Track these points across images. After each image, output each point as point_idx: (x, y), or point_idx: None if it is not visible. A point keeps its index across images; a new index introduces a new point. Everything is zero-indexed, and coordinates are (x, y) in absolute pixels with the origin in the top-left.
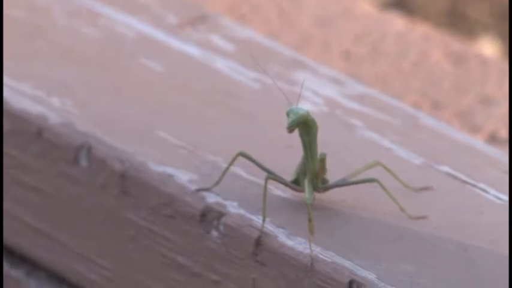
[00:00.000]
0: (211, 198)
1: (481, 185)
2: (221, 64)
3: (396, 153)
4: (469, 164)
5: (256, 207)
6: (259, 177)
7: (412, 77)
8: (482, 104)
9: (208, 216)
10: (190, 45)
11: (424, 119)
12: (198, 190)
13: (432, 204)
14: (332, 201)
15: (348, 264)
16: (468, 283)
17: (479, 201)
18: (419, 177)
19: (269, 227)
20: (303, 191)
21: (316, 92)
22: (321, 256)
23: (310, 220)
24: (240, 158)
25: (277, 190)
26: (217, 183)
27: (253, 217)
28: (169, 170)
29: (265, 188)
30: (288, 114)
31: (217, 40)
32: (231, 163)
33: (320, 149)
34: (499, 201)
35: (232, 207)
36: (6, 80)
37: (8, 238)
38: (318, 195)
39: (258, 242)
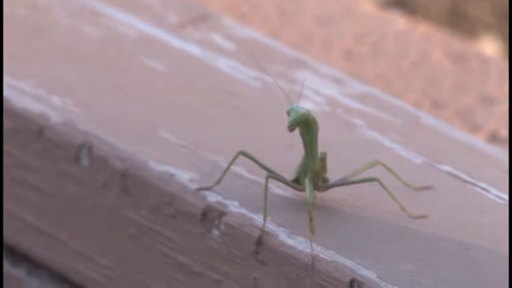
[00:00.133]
0: (212, 198)
1: (482, 184)
2: (222, 63)
3: (397, 153)
4: (470, 163)
5: (257, 206)
6: (260, 176)
7: (412, 76)
8: (483, 103)
9: (209, 216)
10: (191, 45)
11: (425, 118)
12: (199, 189)
13: (433, 203)
14: (333, 200)
15: (348, 263)
16: (469, 282)
17: (480, 200)
18: (419, 177)
19: (270, 226)
20: (303, 190)
21: (317, 91)
22: (321, 255)
23: (310, 219)
24: (241, 157)
25: (278, 189)
26: (218, 182)
27: (254, 216)
28: (170, 169)
29: (266, 187)
30: (288, 113)
31: (218, 39)
32: (232, 162)
33: (321, 148)
34: (499, 201)
35: (233, 206)
36: (7, 78)
37: (9, 237)
38: (318, 194)
39: (259, 241)
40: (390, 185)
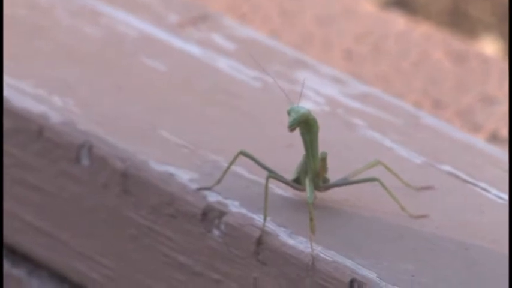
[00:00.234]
0: (212, 197)
1: (482, 184)
2: (222, 63)
3: (397, 153)
4: (470, 163)
5: (257, 206)
6: (260, 176)
7: (413, 76)
8: (483, 103)
9: (210, 215)
10: (191, 45)
11: (425, 118)
12: (199, 189)
13: (433, 203)
14: (333, 200)
15: (349, 263)
16: (469, 282)
17: (480, 200)
18: (420, 177)
19: (270, 226)
20: (304, 190)
21: (318, 91)
22: (322, 255)
23: (311, 219)
24: (241, 157)
25: (278, 189)
26: (219, 182)
27: (255, 216)
28: (171, 169)
29: (266, 187)
30: (289, 113)
31: (218, 39)
32: (232, 162)
33: (321, 148)
34: (500, 201)
35: (234, 206)
36: (7, 78)
37: (9, 237)
38: (319, 194)
39: (259, 241)
40: (390, 185)
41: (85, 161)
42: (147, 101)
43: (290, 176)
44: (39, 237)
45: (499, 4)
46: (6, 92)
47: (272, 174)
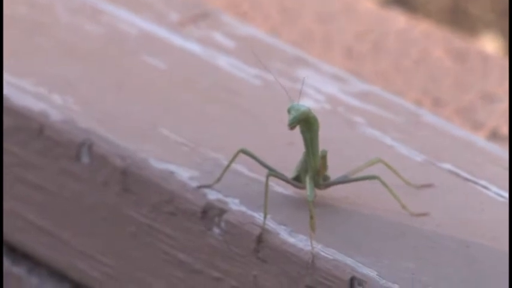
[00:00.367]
0: (212, 195)
1: (483, 182)
2: (223, 61)
3: (398, 151)
4: (471, 161)
5: (257, 204)
6: (260, 174)
7: (413, 74)
8: (483, 101)
9: (210, 213)
10: (192, 43)
11: (426, 116)
12: (200, 187)
13: (434, 201)
14: (333, 198)
15: (349, 261)
16: (470, 280)
17: (481, 198)
18: (420, 175)
19: (270, 224)
20: (304, 188)
21: (318, 89)
22: (322, 253)
23: (311, 217)
24: (242, 155)
25: (278, 187)
26: (219, 180)
27: (255, 214)
28: (171, 167)
29: (267, 185)
30: (289, 111)
31: (218, 37)
32: (232, 160)
33: (321, 145)
34: (500, 199)
35: (234, 204)
36: (8, 76)
37: (10, 235)
38: (319, 192)
39: (260, 239)
40: (391, 183)
41: (85, 159)
42: (147, 99)
43: (290, 174)
44: (39, 235)
45: (498, 2)
46: (6, 90)
47: (272, 172)
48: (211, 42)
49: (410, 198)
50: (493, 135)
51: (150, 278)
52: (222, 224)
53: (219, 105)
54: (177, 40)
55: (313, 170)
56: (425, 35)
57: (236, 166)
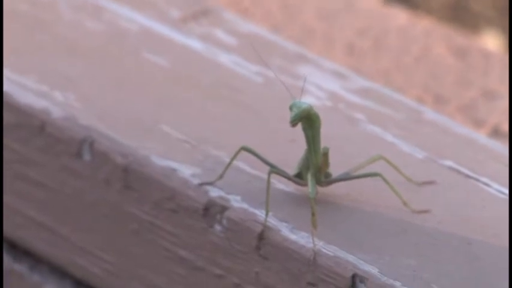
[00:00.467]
0: (214, 193)
1: (484, 179)
2: (224, 58)
3: (399, 148)
4: (472, 158)
5: (259, 201)
6: (262, 171)
7: (414, 71)
8: (485, 98)
9: (212, 211)
10: (193, 40)
11: (427, 113)
12: (201, 184)
13: (435, 198)
14: (335, 195)
15: (350, 258)
16: (471, 277)
17: (482, 195)
18: (422, 172)
19: (272, 221)
20: (305, 185)
21: (319, 86)
22: (323, 250)
23: (313, 214)
24: (243, 152)
25: (280, 184)
26: (221, 177)
27: (257, 211)
28: (173, 164)
29: (268, 182)
30: (291, 108)
31: (220, 34)
32: (234, 157)
33: (323, 143)
34: (501, 196)
35: (236, 201)
36: (9, 73)
37: (11, 232)
38: (320, 189)
39: (261, 236)
40: (392, 180)
41: (87, 156)
42: (148, 96)
43: (292, 171)
44: (40, 232)
45: None
46: (8, 87)
47: (274, 169)
48: (213, 39)
49: (411, 195)
50: (495, 132)
51: (152, 275)
52: (224, 221)
53: (220, 102)
54: (178, 37)
55: (315, 167)
56: (427, 32)
57: (238, 163)
